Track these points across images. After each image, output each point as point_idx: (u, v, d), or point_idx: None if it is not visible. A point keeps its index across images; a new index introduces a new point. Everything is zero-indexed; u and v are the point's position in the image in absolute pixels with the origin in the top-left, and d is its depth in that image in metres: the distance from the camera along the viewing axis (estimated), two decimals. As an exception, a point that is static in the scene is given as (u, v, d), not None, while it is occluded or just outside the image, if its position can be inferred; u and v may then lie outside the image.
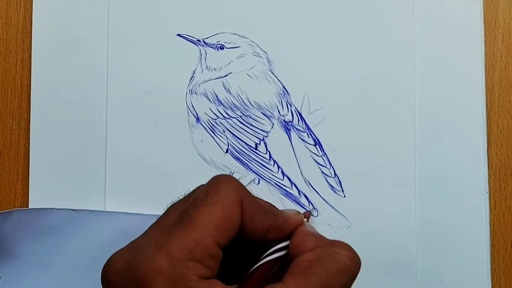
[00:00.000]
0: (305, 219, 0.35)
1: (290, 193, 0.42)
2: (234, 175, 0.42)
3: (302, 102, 0.43)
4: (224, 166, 0.43)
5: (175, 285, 0.28)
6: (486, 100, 0.43)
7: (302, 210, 0.42)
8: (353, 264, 0.31)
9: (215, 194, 0.31)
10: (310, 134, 0.43)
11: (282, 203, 0.42)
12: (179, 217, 0.31)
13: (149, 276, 0.28)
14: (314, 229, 0.35)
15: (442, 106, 0.42)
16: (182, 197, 0.33)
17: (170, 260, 0.29)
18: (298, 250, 0.32)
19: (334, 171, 0.42)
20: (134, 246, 0.31)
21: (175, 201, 0.33)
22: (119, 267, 0.30)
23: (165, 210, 0.32)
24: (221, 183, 0.32)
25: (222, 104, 0.43)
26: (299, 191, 0.42)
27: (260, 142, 0.43)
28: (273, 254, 0.33)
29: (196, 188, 0.33)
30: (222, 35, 0.43)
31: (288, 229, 0.33)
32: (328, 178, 0.42)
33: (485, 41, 0.43)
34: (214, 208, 0.30)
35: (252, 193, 0.33)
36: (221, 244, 0.30)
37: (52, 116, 0.43)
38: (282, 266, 0.32)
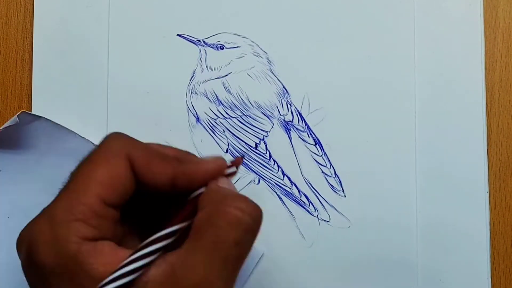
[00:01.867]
0: (231, 170, 0.32)
1: (290, 193, 0.42)
2: (234, 175, 0.42)
3: (302, 102, 0.43)
4: (224, 166, 0.43)
5: (56, 248, 0.27)
6: (486, 100, 0.43)
7: (301, 210, 0.42)
8: (246, 216, 0.28)
9: (98, 152, 0.30)
10: (310, 134, 0.43)
11: (282, 203, 0.42)
12: (67, 180, 0.30)
13: (34, 241, 0.28)
14: (230, 184, 0.32)
15: (442, 106, 0.42)
16: None
17: (50, 223, 0.28)
18: (199, 209, 0.29)
19: (334, 171, 0.42)
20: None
21: None
22: (21, 237, 0.29)
23: None
24: (105, 141, 0.30)
25: (222, 104, 0.43)
26: (299, 191, 0.42)
27: (260, 142, 0.43)
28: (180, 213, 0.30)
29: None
30: (222, 35, 0.43)
31: (200, 177, 0.30)
32: (328, 178, 0.42)
33: (485, 41, 0.43)
34: (96, 165, 0.29)
35: (158, 144, 0.31)
36: (110, 201, 0.29)
37: (52, 116, 0.43)
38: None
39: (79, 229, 0.28)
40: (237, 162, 0.33)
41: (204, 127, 0.43)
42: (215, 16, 0.43)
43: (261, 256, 0.41)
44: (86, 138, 0.41)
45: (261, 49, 0.43)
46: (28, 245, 0.28)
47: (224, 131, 0.43)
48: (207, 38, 0.43)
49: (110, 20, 0.44)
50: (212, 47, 0.43)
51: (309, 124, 0.43)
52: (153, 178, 0.30)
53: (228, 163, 0.32)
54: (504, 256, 0.42)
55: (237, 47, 0.43)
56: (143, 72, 0.43)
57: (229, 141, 0.43)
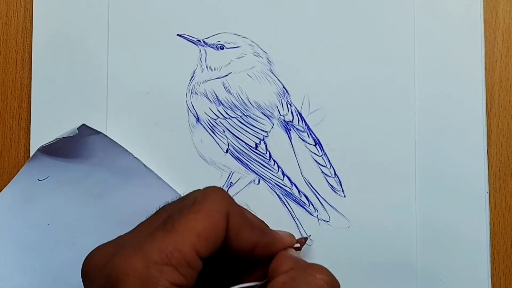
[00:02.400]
0: (298, 245, 0.35)
1: (290, 193, 0.42)
2: (234, 175, 0.42)
3: (302, 102, 0.43)
4: (224, 166, 0.43)
5: (145, 286, 0.28)
6: (486, 100, 0.43)
7: (301, 210, 0.42)
8: (327, 287, 0.30)
9: (201, 203, 0.31)
10: (310, 134, 0.43)
11: (282, 203, 0.42)
12: (164, 220, 0.31)
13: (122, 274, 0.28)
14: (299, 255, 0.34)
15: (442, 106, 0.42)
16: (177, 199, 0.33)
17: (145, 262, 0.29)
18: (276, 272, 0.32)
19: (334, 171, 0.42)
20: (118, 243, 0.31)
21: (168, 202, 0.33)
22: (99, 262, 0.30)
23: (157, 209, 0.32)
24: (210, 193, 0.32)
25: (222, 104, 0.43)
26: (299, 191, 0.42)
27: (260, 142, 0.43)
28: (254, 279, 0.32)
29: (190, 192, 0.33)
30: (222, 35, 0.43)
31: (276, 248, 0.33)
32: (328, 178, 0.42)
33: (485, 41, 0.43)
34: (198, 216, 0.30)
35: (246, 209, 0.33)
36: (201, 254, 0.30)
37: (52, 116, 0.43)
38: None
39: (171, 275, 0.29)
40: (301, 241, 0.37)
41: (204, 127, 0.43)
42: (215, 16, 0.43)
43: None
44: (139, 159, 0.42)
45: (261, 49, 0.43)
46: (113, 275, 0.29)
47: (224, 131, 0.43)
48: (207, 38, 0.43)
49: (110, 20, 0.44)
50: (212, 47, 0.43)
51: (309, 124, 0.43)
52: (239, 243, 0.32)
53: (297, 244, 0.36)
54: (504, 256, 0.42)
55: (237, 47, 0.43)
56: (143, 72, 0.43)
57: (229, 141, 0.43)
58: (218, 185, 0.42)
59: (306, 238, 0.38)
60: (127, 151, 0.42)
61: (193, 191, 0.33)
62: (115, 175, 0.42)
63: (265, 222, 0.35)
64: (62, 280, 0.41)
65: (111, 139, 0.42)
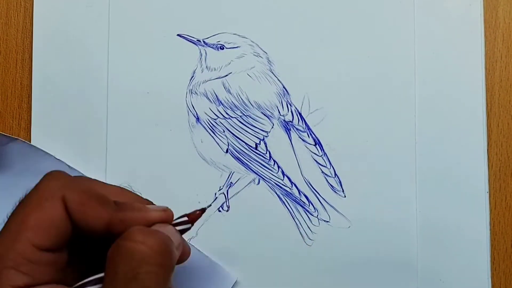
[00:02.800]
0: (182, 219, 0.31)
1: (290, 193, 0.42)
2: (234, 175, 0.42)
3: (302, 102, 0.43)
4: (224, 166, 0.43)
5: None
6: (486, 100, 0.43)
7: (301, 210, 0.42)
8: (140, 246, 0.27)
9: (32, 194, 0.29)
10: (310, 134, 0.43)
11: (282, 203, 0.42)
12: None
13: None
14: (175, 233, 0.30)
15: (442, 106, 0.42)
16: None
17: None
18: None
19: (334, 171, 0.42)
20: None
21: None
22: None
23: None
24: (42, 181, 0.30)
25: (222, 104, 0.43)
26: (299, 191, 0.42)
27: (260, 142, 0.43)
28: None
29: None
30: (222, 35, 0.43)
31: (136, 224, 0.29)
32: (328, 178, 0.42)
33: (485, 41, 0.43)
34: (30, 209, 0.28)
35: (94, 189, 0.30)
36: (44, 247, 0.28)
37: (53, 116, 0.43)
38: None
39: (11, 278, 0.27)
40: (194, 216, 0.32)
41: (204, 127, 0.43)
42: (215, 16, 0.43)
43: (234, 283, 0.41)
44: (61, 160, 0.41)
45: (261, 49, 0.43)
46: None
47: (224, 131, 0.43)
48: (207, 38, 0.43)
49: (110, 20, 0.44)
50: (212, 47, 0.43)
51: (309, 124, 0.43)
52: (87, 222, 0.29)
53: (183, 218, 0.31)
54: (504, 256, 0.42)
55: (237, 47, 0.43)
56: (143, 72, 0.43)
57: (229, 141, 0.43)
58: (218, 185, 0.42)
59: (202, 211, 0.32)
60: (48, 154, 0.41)
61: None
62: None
63: (145, 199, 0.32)
64: None
65: (30, 144, 0.41)
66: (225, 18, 0.43)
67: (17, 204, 0.29)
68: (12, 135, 0.44)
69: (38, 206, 0.28)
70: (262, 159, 0.43)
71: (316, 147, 0.42)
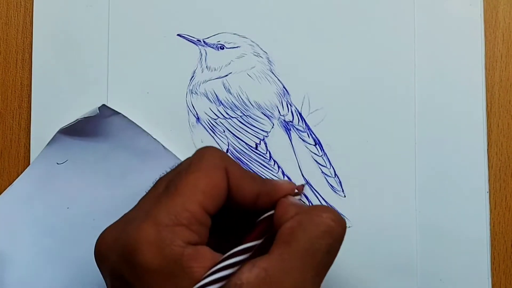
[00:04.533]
0: (297, 191, 0.35)
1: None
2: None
3: (302, 102, 0.43)
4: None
5: (162, 250, 0.28)
6: (486, 100, 0.43)
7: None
8: (336, 225, 0.31)
9: (198, 162, 0.31)
10: (310, 134, 0.43)
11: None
12: (165, 187, 0.31)
13: (137, 243, 0.29)
14: (301, 201, 0.35)
15: (442, 106, 0.42)
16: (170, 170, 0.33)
17: (156, 226, 0.29)
18: (281, 220, 0.32)
19: (334, 171, 0.42)
20: (125, 219, 0.31)
21: (162, 175, 0.33)
22: (110, 239, 0.30)
23: (154, 183, 0.33)
24: (204, 152, 0.32)
25: (222, 104, 0.43)
26: (299, 191, 0.42)
27: (260, 142, 0.43)
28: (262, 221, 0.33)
29: (182, 161, 0.33)
30: (222, 35, 0.43)
31: (277, 195, 0.33)
32: (328, 178, 0.42)
33: (485, 41, 0.43)
34: (198, 175, 0.30)
35: (241, 166, 0.33)
36: (209, 210, 0.30)
37: (53, 116, 0.43)
38: (270, 241, 0.32)
39: (184, 234, 0.29)
40: (300, 188, 0.36)
41: (204, 127, 0.43)
42: (215, 16, 0.43)
43: None
44: (157, 140, 0.42)
45: (261, 49, 0.43)
46: (126, 247, 0.29)
47: (224, 131, 0.43)
48: (207, 38, 0.43)
49: (110, 20, 0.44)
50: (212, 47, 0.43)
51: (309, 124, 0.43)
52: (242, 194, 0.32)
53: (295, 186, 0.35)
54: (504, 256, 0.42)
55: (237, 47, 0.43)
56: (143, 72, 0.43)
57: (229, 141, 0.43)
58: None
59: (303, 185, 0.38)
60: (146, 132, 0.42)
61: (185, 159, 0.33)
62: (134, 156, 0.42)
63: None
64: (83, 264, 0.41)
65: (131, 120, 0.42)
66: (225, 18, 0.43)
67: (175, 170, 0.32)
68: (12, 135, 0.44)
69: (208, 173, 0.31)
70: (262, 159, 0.43)
71: (316, 147, 0.43)
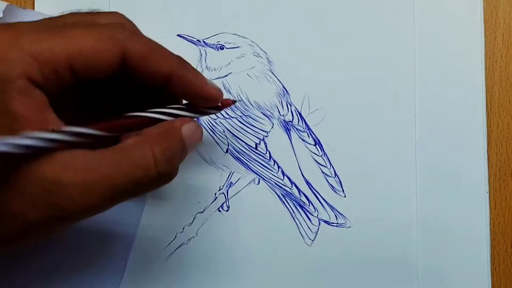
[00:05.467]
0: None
1: (290, 193, 0.42)
2: (234, 175, 0.42)
3: (302, 102, 0.43)
4: (224, 166, 0.43)
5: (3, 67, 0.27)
6: (486, 100, 0.43)
7: (301, 210, 0.42)
8: (153, 166, 0.30)
9: (99, 21, 0.30)
10: (310, 134, 0.43)
11: (282, 203, 0.42)
12: (59, 24, 0.29)
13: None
14: (197, 129, 0.33)
15: (442, 106, 0.42)
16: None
17: (14, 41, 0.27)
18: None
19: (334, 171, 0.42)
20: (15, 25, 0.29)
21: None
22: None
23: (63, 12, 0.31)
24: (111, 16, 0.31)
25: (222, 104, 0.43)
26: (299, 191, 0.42)
27: (260, 142, 0.43)
28: (150, 113, 0.31)
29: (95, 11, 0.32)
30: (222, 35, 0.43)
31: (194, 88, 0.31)
32: (328, 178, 0.42)
33: (485, 41, 0.43)
34: (89, 32, 0.29)
35: (157, 44, 0.32)
36: (75, 70, 0.28)
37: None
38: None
39: (31, 66, 0.27)
40: (227, 102, 0.34)
41: (204, 127, 0.43)
42: (215, 16, 0.43)
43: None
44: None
45: (261, 49, 0.43)
46: None
47: (224, 131, 0.43)
48: (207, 38, 0.43)
49: (110, 20, 0.44)
50: (212, 47, 0.43)
51: (309, 124, 0.43)
52: (148, 69, 0.30)
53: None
54: (504, 256, 0.42)
55: (237, 47, 0.43)
56: (143, 72, 0.43)
57: (229, 141, 0.43)
58: (218, 185, 0.42)
59: (234, 101, 0.36)
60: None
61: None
62: None
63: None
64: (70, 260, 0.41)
65: (42, 13, 0.40)
66: (225, 18, 0.43)
67: (85, 13, 0.31)
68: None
69: (99, 38, 0.29)
70: (262, 159, 0.43)
71: (316, 147, 0.43)
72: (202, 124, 0.43)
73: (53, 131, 0.27)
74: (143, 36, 0.32)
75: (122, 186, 0.29)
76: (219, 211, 0.42)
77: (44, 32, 0.28)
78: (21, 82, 0.27)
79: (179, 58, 0.32)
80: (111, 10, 0.44)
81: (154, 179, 0.30)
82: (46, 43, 0.28)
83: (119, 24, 0.31)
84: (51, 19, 0.30)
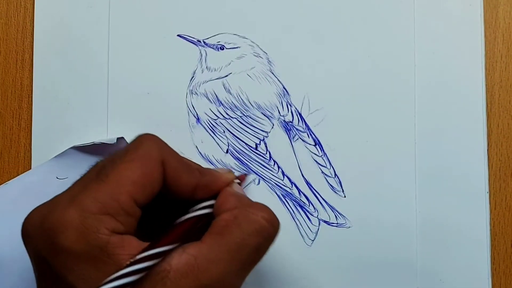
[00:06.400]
0: (237, 181, 0.35)
1: (290, 193, 0.42)
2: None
3: (302, 102, 0.43)
4: (224, 166, 0.43)
5: (86, 237, 0.28)
6: (486, 100, 0.43)
7: (301, 210, 0.42)
8: (268, 226, 0.31)
9: (134, 151, 0.31)
10: (310, 134, 0.43)
11: (282, 204, 0.42)
12: (97, 173, 0.30)
13: (60, 227, 0.28)
14: (242, 191, 0.35)
15: (442, 106, 0.42)
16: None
17: (82, 212, 0.29)
18: (220, 210, 0.32)
19: (334, 171, 0.42)
20: (53, 201, 0.31)
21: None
22: (36, 220, 0.30)
23: (90, 167, 0.32)
24: (142, 141, 0.32)
25: (222, 105, 0.43)
26: (299, 191, 0.42)
27: (260, 142, 0.43)
28: (198, 211, 0.32)
29: (121, 147, 0.33)
30: (222, 35, 0.43)
31: (216, 187, 0.34)
32: (328, 178, 0.42)
33: (485, 41, 0.43)
34: (132, 165, 0.30)
35: (180, 154, 0.33)
36: (138, 202, 0.30)
37: (53, 117, 0.43)
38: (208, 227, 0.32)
39: (109, 223, 0.29)
40: (242, 177, 0.38)
41: (204, 127, 0.43)
42: (215, 16, 0.43)
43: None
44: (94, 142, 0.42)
45: (261, 49, 0.43)
46: (51, 229, 0.29)
47: (224, 132, 0.43)
48: (207, 38, 0.43)
49: (111, 21, 0.44)
50: (212, 48, 0.43)
51: (309, 125, 0.43)
52: (179, 186, 0.32)
53: (236, 175, 0.36)
54: (504, 256, 0.42)
55: (237, 47, 0.43)
56: (143, 72, 0.43)
57: (229, 141, 0.43)
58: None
59: (246, 175, 0.39)
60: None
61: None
62: None
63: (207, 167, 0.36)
64: None
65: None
66: (225, 18, 0.43)
67: (111, 156, 0.32)
68: (12, 135, 0.44)
69: (142, 163, 0.30)
70: (262, 159, 0.43)
71: (316, 147, 0.43)
72: (202, 125, 0.43)
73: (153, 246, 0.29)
74: (172, 149, 0.33)
75: (251, 257, 0.31)
76: (219, 211, 0.42)
77: (97, 187, 0.30)
78: (114, 239, 0.29)
79: (198, 166, 0.34)
80: (111, 10, 0.44)
81: (273, 236, 0.32)
82: (106, 196, 0.29)
83: (150, 141, 0.32)
84: (90, 171, 0.32)
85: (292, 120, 0.43)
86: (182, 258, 0.29)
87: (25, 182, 0.42)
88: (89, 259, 0.28)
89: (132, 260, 0.28)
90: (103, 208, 0.29)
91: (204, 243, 0.30)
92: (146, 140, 0.32)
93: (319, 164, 0.42)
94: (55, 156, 0.42)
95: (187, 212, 0.33)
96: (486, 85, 0.43)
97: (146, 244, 0.29)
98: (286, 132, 0.43)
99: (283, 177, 0.42)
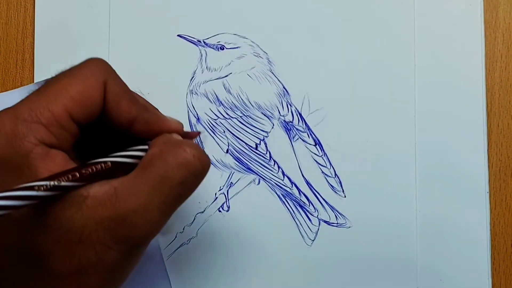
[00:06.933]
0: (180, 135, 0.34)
1: (290, 193, 0.42)
2: (234, 175, 0.42)
3: (302, 102, 0.43)
4: (224, 166, 0.43)
5: (13, 143, 0.28)
6: (486, 100, 0.43)
7: (301, 210, 0.42)
8: (195, 161, 0.30)
9: (78, 69, 0.31)
10: (310, 134, 0.43)
11: (282, 203, 0.42)
12: (40, 86, 0.30)
13: None
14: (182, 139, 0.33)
15: (442, 106, 0.42)
16: None
17: (13, 119, 0.29)
18: (149, 148, 0.31)
19: (334, 171, 0.42)
20: None
21: None
22: None
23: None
24: (88, 62, 0.32)
25: (223, 105, 0.43)
26: (299, 191, 0.42)
27: (260, 142, 0.43)
28: (130, 152, 0.31)
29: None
30: (222, 35, 0.43)
31: (156, 127, 0.32)
32: (328, 178, 0.42)
33: (485, 41, 0.43)
34: (72, 80, 0.30)
35: (127, 86, 0.33)
36: (75, 118, 0.30)
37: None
38: None
39: (40, 132, 0.29)
40: (193, 134, 0.36)
41: (204, 127, 0.43)
42: (215, 16, 0.43)
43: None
44: None
45: (261, 49, 0.43)
46: None
47: (224, 132, 0.43)
48: (207, 38, 0.43)
49: (111, 21, 0.44)
50: (213, 48, 0.43)
51: (309, 125, 0.43)
52: (118, 113, 0.31)
53: (185, 130, 0.34)
54: (504, 256, 0.42)
55: (237, 47, 0.43)
56: (144, 72, 0.43)
57: (229, 141, 0.43)
58: (218, 185, 0.42)
59: (199, 132, 0.37)
60: None
61: None
62: None
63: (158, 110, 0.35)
64: None
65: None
66: (225, 18, 0.43)
67: (57, 73, 0.31)
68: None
69: (83, 81, 0.30)
70: (262, 159, 0.43)
71: (316, 147, 0.43)
72: (202, 125, 0.43)
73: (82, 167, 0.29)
74: (120, 78, 0.32)
75: (174, 191, 0.30)
76: (219, 211, 0.42)
77: (35, 97, 0.29)
78: (39, 149, 0.28)
79: (147, 102, 0.33)
80: (111, 10, 0.44)
81: (199, 171, 0.31)
82: (40, 105, 0.29)
83: (96, 63, 0.32)
84: (34, 85, 0.32)
85: (292, 120, 0.43)
86: (103, 188, 0.28)
87: None
88: (10, 167, 0.28)
89: (46, 176, 0.27)
90: (35, 117, 0.29)
91: (128, 176, 0.29)
92: (93, 61, 0.32)
93: (319, 164, 0.42)
94: (17, 89, 0.42)
95: (123, 149, 0.31)
96: (486, 85, 0.43)
97: (73, 165, 0.29)
98: (286, 132, 0.43)
99: (283, 177, 0.42)
